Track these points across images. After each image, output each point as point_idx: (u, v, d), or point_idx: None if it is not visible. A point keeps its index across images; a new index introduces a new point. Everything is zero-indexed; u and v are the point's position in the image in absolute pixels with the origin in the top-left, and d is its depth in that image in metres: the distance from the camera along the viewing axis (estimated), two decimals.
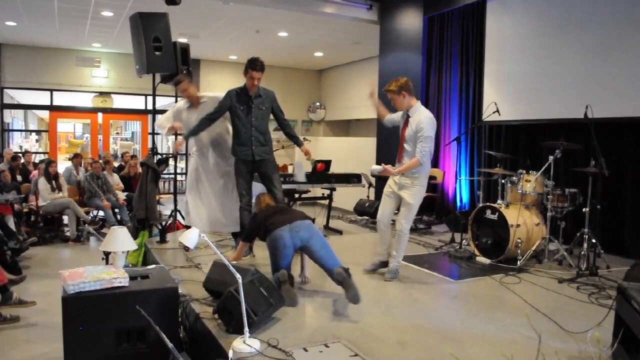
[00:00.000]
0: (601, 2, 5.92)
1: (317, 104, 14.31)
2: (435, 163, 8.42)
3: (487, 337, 3.28)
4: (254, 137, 4.96)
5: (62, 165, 11.50)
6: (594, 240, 4.91)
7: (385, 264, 4.77)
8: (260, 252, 5.40)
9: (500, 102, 6.32)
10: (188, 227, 5.73)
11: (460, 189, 8.04)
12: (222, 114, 5.03)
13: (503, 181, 5.72)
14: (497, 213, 5.28)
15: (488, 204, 5.52)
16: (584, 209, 5.04)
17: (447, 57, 8.32)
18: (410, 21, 8.50)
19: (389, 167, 4.46)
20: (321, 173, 6.62)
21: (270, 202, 4.57)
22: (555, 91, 6.41)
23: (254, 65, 4.77)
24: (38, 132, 18.14)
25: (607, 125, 5.83)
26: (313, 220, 4.28)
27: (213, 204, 5.54)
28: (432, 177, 7.56)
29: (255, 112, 4.94)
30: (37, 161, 10.47)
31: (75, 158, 9.31)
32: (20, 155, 10.04)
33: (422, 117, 4.48)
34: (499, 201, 5.58)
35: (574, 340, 3.23)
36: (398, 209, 4.68)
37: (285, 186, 5.54)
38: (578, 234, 5.17)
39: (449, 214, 7.18)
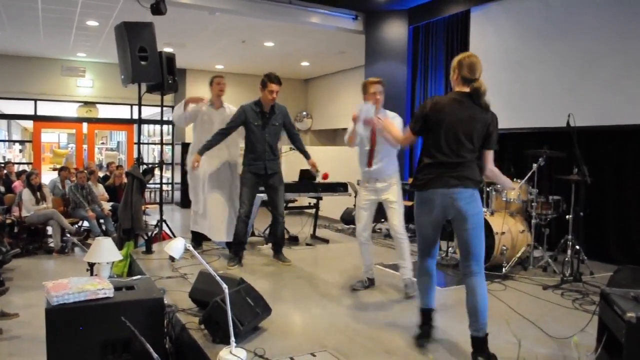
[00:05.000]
0: (581, 15, 6.04)
1: (304, 113, 14.35)
2: None
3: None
4: (267, 151, 5.18)
5: (47, 175, 11.41)
6: (577, 247, 4.97)
7: (372, 281, 4.62)
8: (249, 261, 5.41)
9: None
10: (195, 233, 5.87)
11: None
12: (235, 129, 5.24)
13: (488, 189, 5.78)
14: None
15: None
16: (567, 216, 5.11)
17: (433, 67, 8.40)
18: (396, 31, 8.58)
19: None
20: (308, 182, 6.64)
21: None
22: (538, 100, 6.50)
23: (272, 79, 5.04)
24: (22, 142, 17.96)
25: (589, 134, 5.93)
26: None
27: (214, 212, 5.64)
28: None
29: (269, 128, 5.17)
30: (18, 171, 10.31)
31: (63, 171, 9.19)
32: (2, 165, 9.92)
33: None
34: (484, 209, 5.62)
35: (558, 345, 3.26)
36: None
37: None
38: (562, 241, 5.23)
39: None
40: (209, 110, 5.64)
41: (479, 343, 3.02)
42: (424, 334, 3.33)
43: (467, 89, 3.15)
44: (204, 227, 5.76)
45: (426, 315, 3.38)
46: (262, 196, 5.64)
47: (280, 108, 5.31)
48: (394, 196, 4.34)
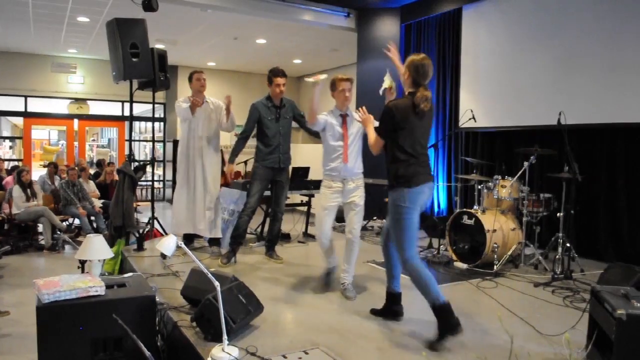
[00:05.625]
0: (572, 13, 6.07)
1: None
2: None
3: (464, 342, 3.30)
4: (281, 144, 5.27)
5: (37, 172, 11.32)
6: (568, 245, 5.00)
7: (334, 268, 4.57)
8: (241, 258, 5.40)
9: (476, 109, 6.43)
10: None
11: (437, 195, 8.12)
12: (253, 128, 5.32)
13: (479, 187, 5.80)
14: (473, 218, 5.34)
15: (465, 209, 5.59)
16: (558, 214, 5.14)
17: None
18: (388, 29, 8.59)
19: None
20: (300, 180, 6.65)
21: None
22: (529, 98, 6.53)
23: (276, 73, 5.16)
24: (12, 138, 17.80)
25: (580, 132, 5.97)
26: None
27: (192, 209, 5.61)
28: None
29: (282, 121, 5.27)
30: (9, 168, 10.23)
31: (50, 167, 9.14)
32: None
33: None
34: (475, 207, 5.66)
35: (549, 343, 3.29)
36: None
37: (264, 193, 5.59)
38: (553, 239, 5.26)
39: (427, 220, 7.24)
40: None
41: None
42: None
43: (413, 90, 3.43)
44: (186, 227, 5.76)
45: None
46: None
47: (289, 101, 5.40)
48: (360, 199, 4.27)
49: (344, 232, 4.39)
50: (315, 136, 5.51)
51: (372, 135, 3.58)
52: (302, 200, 7.22)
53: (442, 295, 3.25)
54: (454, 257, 5.51)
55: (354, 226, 4.24)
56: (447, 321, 3.21)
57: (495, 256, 5.13)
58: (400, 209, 3.34)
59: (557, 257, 5.02)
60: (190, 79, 5.67)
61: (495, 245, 5.15)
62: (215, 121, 5.64)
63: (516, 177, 5.39)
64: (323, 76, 4.06)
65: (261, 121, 5.24)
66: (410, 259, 3.37)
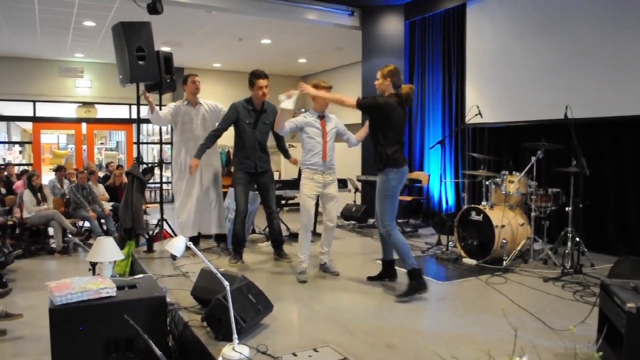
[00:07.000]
0: (576, 7, 6.04)
1: (302, 110, 14.32)
2: (420, 166, 8.51)
3: (474, 337, 3.31)
4: (257, 150, 5.21)
5: (47, 176, 11.42)
6: (577, 239, 4.98)
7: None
8: (250, 258, 5.42)
9: (482, 105, 6.41)
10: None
11: (445, 192, 8.12)
12: (227, 127, 5.26)
13: (487, 183, 5.79)
14: (482, 214, 5.33)
15: (473, 205, 5.58)
16: (567, 208, 5.12)
17: (430, 62, 8.41)
18: (392, 26, 8.59)
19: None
20: None
21: None
22: (535, 93, 6.51)
23: (258, 75, 5.12)
24: (21, 143, 17.96)
25: (587, 126, 5.94)
26: None
27: (197, 206, 5.65)
28: (417, 181, 7.65)
29: (260, 127, 5.19)
30: (19, 172, 10.32)
31: (59, 171, 9.22)
32: (3, 167, 9.93)
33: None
34: (483, 202, 5.64)
35: (560, 337, 3.28)
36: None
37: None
38: (562, 233, 5.25)
39: (435, 217, 7.24)
40: (188, 110, 5.64)
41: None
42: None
43: (394, 92, 4.27)
44: (183, 226, 5.76)
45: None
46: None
47: (271, 106, 5.32)
48: (336, 192, 4.82)
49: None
50: (282, 150, 5.60)
51: (337, 95, 4.52)
52: None
53: (415, 261, 4.20)
54: (463, 254, 5.51)
55: (333, 215, 4.83)
56: (419, 282, 4.10)
57: (504, 252, 5.12)
58: (391, 187, 4.18)
59: (567, 251, 5.00)
60: (185, 81, 5.70)
61: (504, 240, 5.14)
62: (210, 122, 5.66)
63: (524, 172, 5.37)
64: (296, 92, 4.47)
65: (238, 123, 5.18)
66: (392, 229, 4.21)
